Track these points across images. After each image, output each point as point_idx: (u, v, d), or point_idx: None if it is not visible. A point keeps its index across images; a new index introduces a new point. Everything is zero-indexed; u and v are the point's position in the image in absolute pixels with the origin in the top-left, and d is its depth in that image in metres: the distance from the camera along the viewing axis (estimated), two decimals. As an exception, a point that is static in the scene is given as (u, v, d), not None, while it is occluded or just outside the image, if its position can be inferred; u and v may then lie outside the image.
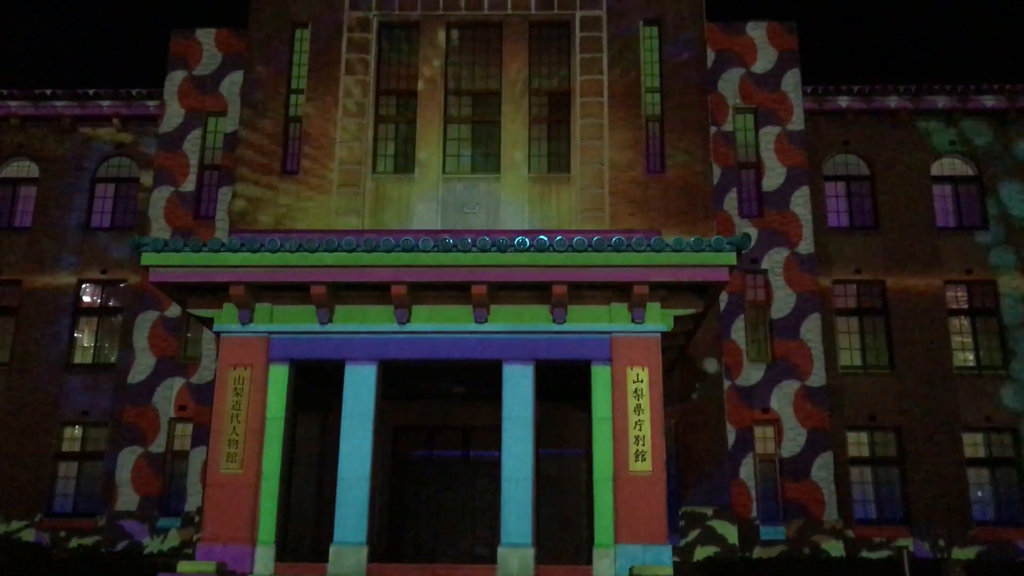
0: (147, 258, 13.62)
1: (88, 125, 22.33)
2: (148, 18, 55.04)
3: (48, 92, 22.04)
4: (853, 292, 21.26)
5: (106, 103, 22.03)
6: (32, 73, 52.60)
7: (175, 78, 21.68)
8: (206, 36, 21.95)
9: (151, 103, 21.94)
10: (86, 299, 21.61)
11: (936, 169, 21.99)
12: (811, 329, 19.96)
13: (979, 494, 20.10)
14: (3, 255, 21.67)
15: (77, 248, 21.61)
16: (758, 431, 19.63)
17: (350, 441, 13.64)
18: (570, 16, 19.88)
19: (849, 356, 20.86)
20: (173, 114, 21.48)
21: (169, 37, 21.99)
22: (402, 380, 16.23)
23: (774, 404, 19.61)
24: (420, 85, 19.68)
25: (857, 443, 20.32)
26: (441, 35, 19.90)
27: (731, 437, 19.25)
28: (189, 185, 21.08)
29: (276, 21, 20.08)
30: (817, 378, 19.70)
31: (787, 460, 19.31)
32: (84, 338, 21.43)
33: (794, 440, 19.42)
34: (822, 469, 19.18)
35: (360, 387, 13.89)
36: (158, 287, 13.94)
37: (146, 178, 21.81)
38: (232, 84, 21.50)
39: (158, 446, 19.73)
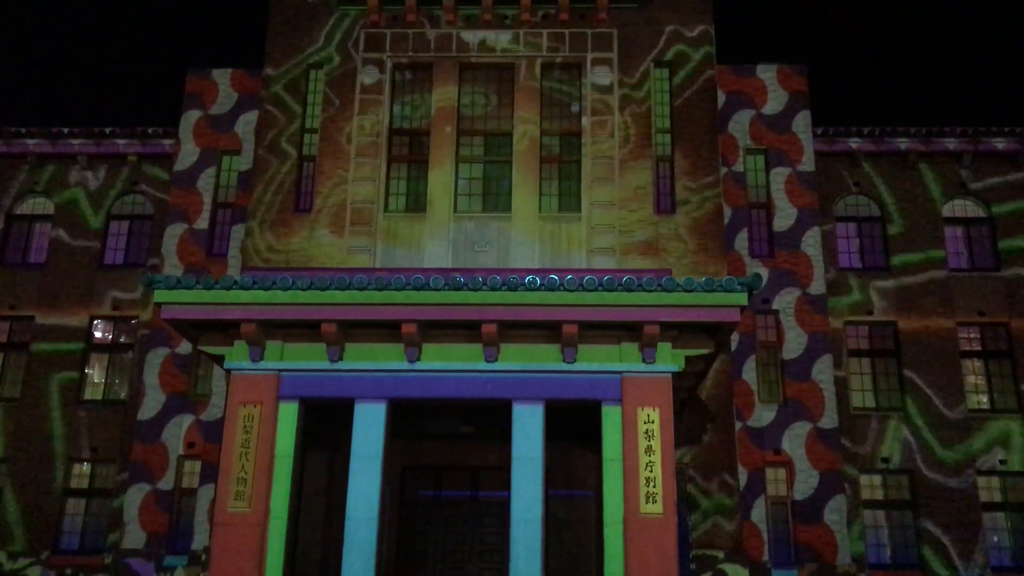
0: (159, 295, 13.70)
1: (104, 163, 22.57)
2: (165, 59, 55.88)
3: (65, 130, 22.30)
4: (865, 333, 21.16)
5: (122, 141, 22.29)
6: (50, 112, 53.38)
7: (190, 117, 21.93)
8: (222, 76, 22.24)
9: (166, 141, 22.19)
10: (97, 335, 21.67)
11: (947, 211, 21.98)
12: (823, 370, 19.85)
13: (995, 539, 19.81)
14: (17, 291, 21.80)
15: (89, 285, 21.71)
16: (770, 473, 19.45)
17: (358, 480, 13.56)
18: (581, 58, 20.08)
19: (861, 398, 20.71)
20: (188, 152, 21.70)
21: (185, 77, 22.30)
22: (411, 419, 16.19)
23: (786, 445, 19.45)
24: (432, 125, 19.85)
25: (870, 486, 20.10)
26: (453, 76, 20.10)
27: (743, 479, 19.08)
28: (202, 223, 21.23)
29: (291, 62, 20.35)
30: (829, 419, 19.55)
31: (799, 503, 19.10)
32: (95, 374, 21.46)
33: (806, 482, 19.22)
34: (835, 512, 18.95)
35: (369, 426, 13.85)
36: (170, 324, 13.99)
37: (160, 216, 21.99)
38: (247, 123, 21.74)
39: (166, 483, 19.66)
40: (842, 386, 20.44)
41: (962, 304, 21.09)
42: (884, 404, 20.65)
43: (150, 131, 22.23)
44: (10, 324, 21.80)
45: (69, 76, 55.10)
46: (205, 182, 21.52)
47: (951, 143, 21.84)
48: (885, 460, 20.06)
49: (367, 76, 20.11)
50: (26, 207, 22.72)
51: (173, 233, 21.16)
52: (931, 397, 20.42)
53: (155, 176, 22.42)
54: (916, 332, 20.89)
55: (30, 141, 22.42)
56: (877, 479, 20.14)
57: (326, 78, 20.17)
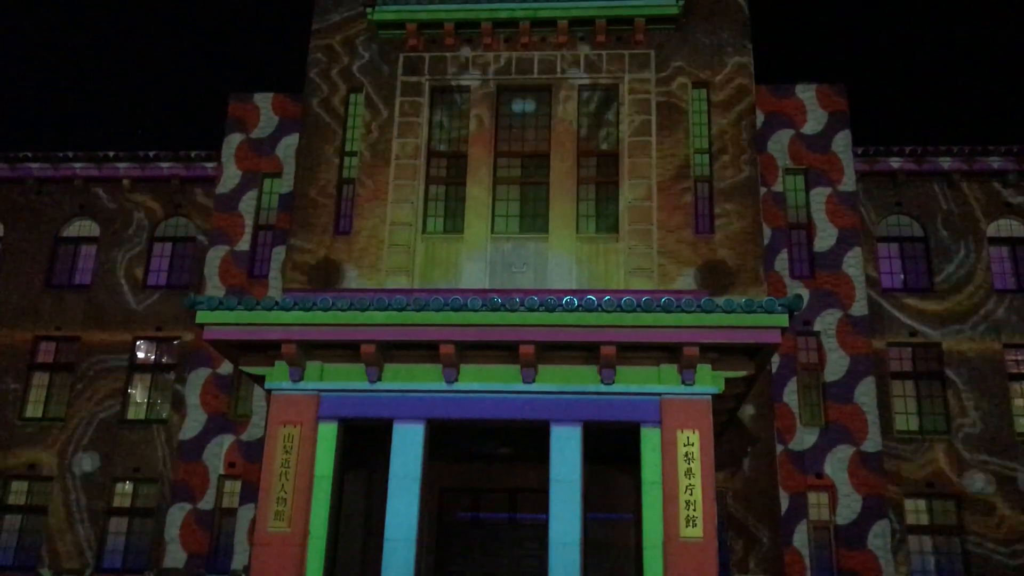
0: (202, 316, 13.85)
1: (148, 186, 22.98)
2: (207, 83, 56.89)
3: (111, 154, 22.77)
4: (908, 355, 20.82)
5: (166, 165, 22.69)
6: (96, 136, 54.54)
7: (232, 140, 22.28)
8: (263, 100, 22.58)
9: (209, 165, 22.55)
10: (140, 356, 21.98)
11: (992, 230, 21.63)
12: (865, 393, 19.55)
13: (1046, 567, 19.30)
14: (63, 312, 22.21)
15: (133, 306, 22.07)
16: (812, 497, 19.15)
17: (397, 501, 13.57)
18: (619, 79, 20.10)
19: (905, 421, 20.35)
20: (230, 175, 22.03)
21: (228, 101, 22.67)
22: (449, 441, 16.18)
23: (828, 469, 19.15)
24: (470, 147, 19.97)
25: (915, 511, 19.71)
26: (491, 98, 20.23)
27: (784, 503, 18.81)
28: (244, 244, 21.51)
29: (331, 86, 20.60)
30: (872, 443, 19.23)
31: (842, 527, 18.77)
32: (137, 394, 21.76)
33: (849, 507, 18.90)
34: (879, 537, 18.60)
35: (407, 446, 13.86)
36: (212, 344, 14.15)
37: (202, 238, 22.32)
38: (288, 146, 22.03)
39: (207, 503, 19.83)
40: (885, 409, 20.11)
41: (1009, 325, 20.69)
42: (929, 428, 20.28)
43: (193, 155, 22.61)
44: (56, 344, 22.20)
45: (115, 101, 56.27)
46: (247, 204, 21.82)
47: (995, 161, 21.51)
48: (930, 485, 19.67)
49: (406, 99, 20.28)
50: (72, 230, 23.18)
51: (215, 255, 21.45)
52: (977, 421, 20.02)
53: (198, 199, 22.78)
54: (961, 354, 20.52)
55: (77, 165, 22.91)
56: (922, 504, 19.76)
57: (366, 101, 20.39)
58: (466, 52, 20.53)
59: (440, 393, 14.03)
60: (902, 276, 21.40)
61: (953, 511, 19.66)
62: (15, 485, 21.18)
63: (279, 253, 21.20)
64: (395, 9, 20.37)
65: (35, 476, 21.05)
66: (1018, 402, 20.40)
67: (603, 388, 13.83)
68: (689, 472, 13.21)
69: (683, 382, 13.67)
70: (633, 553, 16.28)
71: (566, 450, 13.66)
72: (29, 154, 23.00)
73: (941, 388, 20.51)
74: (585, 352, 13.93)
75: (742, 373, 14.01)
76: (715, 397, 14.03)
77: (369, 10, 20.42)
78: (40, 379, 22.04)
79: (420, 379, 14.09)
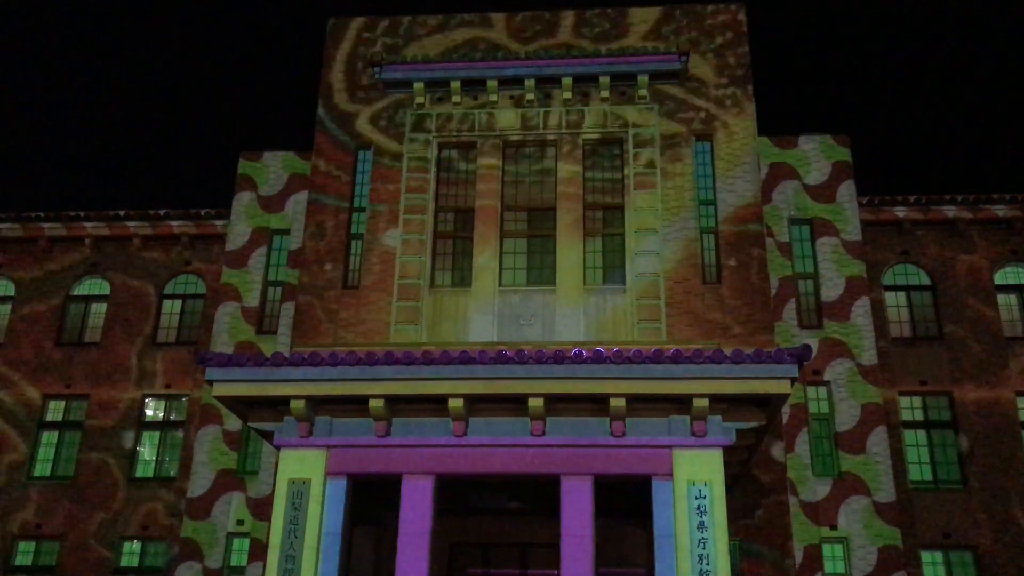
0: (211, 373, 13.91)
1: (158, 244, 23.19)
2: (218, 142, 57.69)
3: (121, 213, 23.03)
4: (919, 404, 20.70)
5: (176, 223, 22.93)
6: (105, 195, 55.20)
7: (242, 198, 22.53)
8: (273, 158, 22.90)
9: (218, 222, 22.77)
10: (149, 413, 21.97)
11: (1000, 278, 21.63)
12: (877, 443, 19.39)
13: (1067, 620, 18.94)
14: (73, 370, 22.26)
15: (142, 363, 22.12)
16: (826, 549, 18.89)
17: (406, 557, 13.45)
18: (623, 133, 20.33)
19: (919, 471, 20.15)
20: (239, 233, 22.23)
21: (238, 159, 22.98)
22: (458, 495, 16.09)
23: (842, 521, 18.92)
24: (477, 202, 20.15)
25: (932, 563, 19.41)
26: (497, 154, 20.46)
27: (798, 556, 18.56)
28: (253, 301, 21.62)
29: (340, 144, 20.88)
30: (886, 494, 19.02)
31: (858, 581, 18.47)
32: (145, 452, 21.70)
33: (864, 559, 18.62)
34: (896, 591, 18.29)
35: (417, 501, 13.79)
36: (221, 401, 14.17)
37: (211, 294, 22.45)
38: (297, 203, 22.26)
39: (215, 561, 19.64)
40: (898, 459, 19.92)
41: (1019, 373, 20.58)
42: (943, 477, 20.07)
43: (203, 212, 22.85)
44: (65, 402, 22.22)
45: (125, 160, 57.03)
46: (256, 261, 21.99)
47: (1000, 210, 21.59)
48: (946, 536, 19.41)
49: (414, 156, 20.54)
50: (83, 288, 23.33)
51: (224, 311, 21.56)
52: (991, 470, 19.81)
53: (207, 256, 22.97)
54: (973, 403, 20.39)
55: (88, 224, 23.16)
56: (939, 556, 19.47)
57: (374, 158, 20.64)
58: (473, 110, 20.81)
59: (449, 447, 13.99)
60: (911, 325, 21.36)
61: (971, 563, 19.36)
62: (22, 545, 21.03)
63: (288, 309, 21.30)
64: (403, 68, 20.73)
65: (42, 536, 20.91)
66: (1032, 451, 20.18)
67: (613, 440, 13.77)
68: (701, 525, 13.09)
69: (694, 433, 13.62)
70: (646, 609, 16.04)
71: (577, 504, 13.56)
72: (40, 213, 23.26)
73: (954, 437, 20.35)
74: (594, 404, 13.90)
75: (753, 424, 13.96)
76: (726, 448, 13.95)
77: (378, 69, 20.78)
78: (49, 437, 22.00)
79: (429, 433, 14.06)
